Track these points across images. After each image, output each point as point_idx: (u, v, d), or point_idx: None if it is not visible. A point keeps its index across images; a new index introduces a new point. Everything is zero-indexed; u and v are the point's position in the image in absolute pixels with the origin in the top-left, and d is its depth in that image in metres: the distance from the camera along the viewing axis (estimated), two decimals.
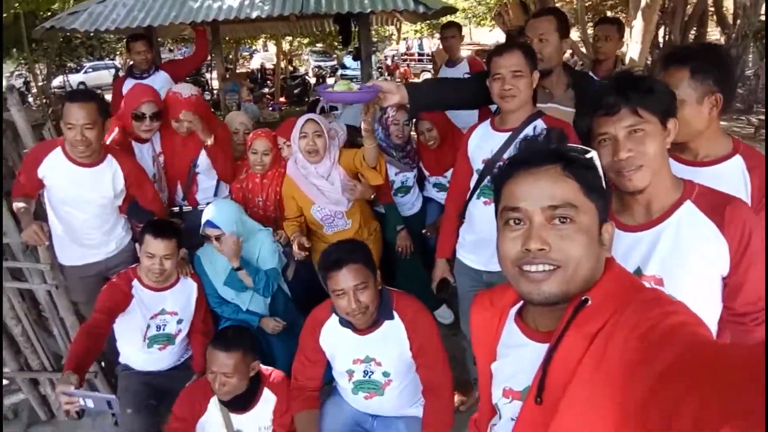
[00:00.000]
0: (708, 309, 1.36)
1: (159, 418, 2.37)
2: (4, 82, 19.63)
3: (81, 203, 2.45)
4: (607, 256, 0.94)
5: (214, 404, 2.14)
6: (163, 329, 2.44)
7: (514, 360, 1.01)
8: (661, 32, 14.09)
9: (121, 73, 17.02)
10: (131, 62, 3.99)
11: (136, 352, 2.45)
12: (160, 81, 3.85)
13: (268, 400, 2.16)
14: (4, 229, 2.51)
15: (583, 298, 0.88)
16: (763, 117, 10.07)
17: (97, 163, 2.44)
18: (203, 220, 2.53)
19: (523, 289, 0.92)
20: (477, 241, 2.30)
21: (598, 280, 0.91)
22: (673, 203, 1.33)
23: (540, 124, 2.06)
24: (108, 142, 2.61)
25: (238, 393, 2.07)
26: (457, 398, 2.68)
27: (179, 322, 2.47)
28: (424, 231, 3.34)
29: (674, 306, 0.82)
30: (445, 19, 4.36)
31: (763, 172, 1.57)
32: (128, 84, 3.70)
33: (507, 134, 2.11)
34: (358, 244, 2.05)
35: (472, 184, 2.28)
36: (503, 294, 1.09)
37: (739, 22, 12.64)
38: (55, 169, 2.39)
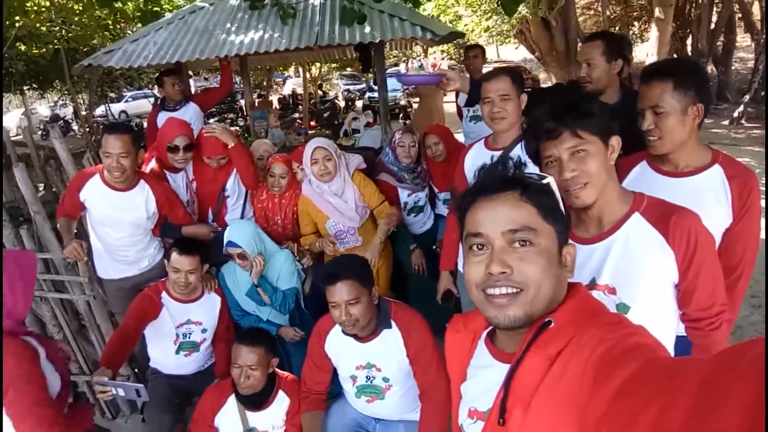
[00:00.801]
0: (662, 316, 1.42)
1: (183, 417, 2.60)
2: (48, 112, 20.75)
3: (117, 224, 2.73)
4: (569, 278, 0.97)
5: (232, 401, 2.32)
6: (189, 337, 2.67)
7: (481, 381, 1.04)
8: (688, 41, 13.94)
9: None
10: (164, 95, 4.31)
11: (165, 357, 2.69)
12: (190, 112, 4.15)
13: (282, 400, 2.34)
14: (48, 245, 2.81)
15: (546, 320, 0.91)
16: None
17: (131, 188, 2.71)
18: (225, 241, 2.74)
19: (489, 314, 0.95)
20: None
21: (562, 302, 0.94)
22: (623, 215, 1.39)
23: (520, 148, 2.22)
24: (147, 171, 2.90)
25: (258, 388, 2.25)
26: None
27: (203, 331, 2.70)
28: (434, 247, 3.44)
29: (635, 329, 0.84)
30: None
31: (742, 181, 1.63)
32: (161, 116, 4.01)
33: (499, 153, 2.26)
34: (356, 259, 2.20)
35: None
36: (476, 317, 1.10)
37: (766, 26, 12.36)
38: (95, 193, 2.67)
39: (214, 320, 2.75)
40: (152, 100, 17.54)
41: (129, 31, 8.46)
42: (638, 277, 1.37)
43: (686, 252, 1.33)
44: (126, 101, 20.02)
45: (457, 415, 1.13)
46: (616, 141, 1.38)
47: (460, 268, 2.59)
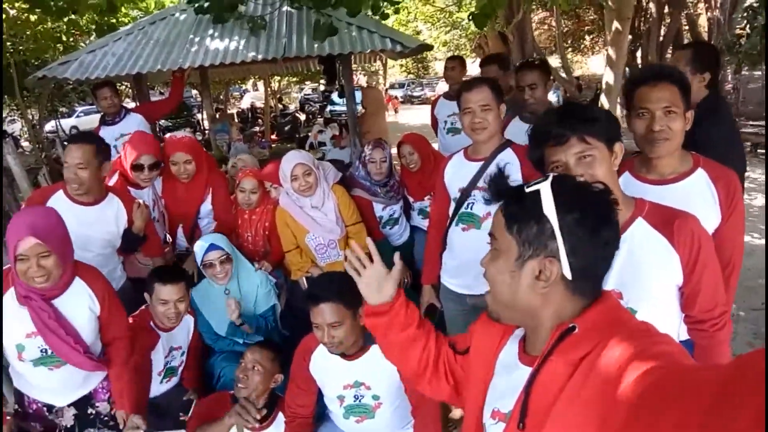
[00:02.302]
0: (669, 317, 1.45)
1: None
2: None
3: (85, 241, 2.50)
4: (544, 292, 0.95)
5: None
6: (171, 363, 2.53)
7: (506, 381, 1.04)
8: (639, 54, 14.53)
9: None
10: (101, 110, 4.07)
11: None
12: (133, 124, 3.94)
13: (280, 423, 2.24)
14: None
15: (570, 325, 0.91)
16: (745, 130, 10.24)
17: (99, 202, 2.53)
18: (203, 251, 2.59)
19: None
20: (459, 266, 2.38)
21: (588, 308, 0.94)
22: (626, 220, 1.40)
23: (509, 153, 2.21)
24: (110, 184, 2.72)
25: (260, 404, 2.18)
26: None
27: (182, 354, 2.58)
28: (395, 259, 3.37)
29: (660, 337, 0.85)
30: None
31: (726, 182, 1.68)
32: (102, 132, 3.79)
33: (479, 163, 2.24)
34: (340, 279, 2.04)
35: (450, 212, 2.39)
36: None
37: (713, 38, 13.02)
38: (59, 209, 2.46)
39: (189, 341, 2.62)
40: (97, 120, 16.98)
41: (82, 44, 8.14)
42: (644, 281, 1.39)
43: (690, 254, 1.37)
44: (77, 116, 19.26)
45: (476, 409, 1.10)
46: (619, 147, 1.39)
47: (443, 281, 2.54)
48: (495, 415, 1.04)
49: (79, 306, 2.01)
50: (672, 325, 1.47)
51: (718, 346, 1.47)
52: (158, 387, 2.52)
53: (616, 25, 6.11)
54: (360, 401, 2.13)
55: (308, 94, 20.83)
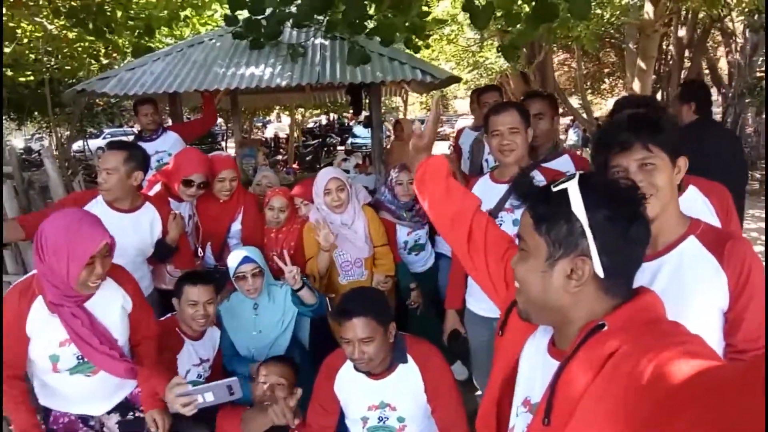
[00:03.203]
0: (709, 342, 1.41)
1: None
2: (23, 144, 20.29)
3: (119, 249, 2.53)
4: (576, 291, 0.94)
5: None
6: (202, 374, 2.49)
7: (538, 372, 1.04)
8: (659, 95, 14.62)
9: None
10: (140, 127, 4.19)
11: None
12: (170, 141, 4.07)
13: None
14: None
15: (599, 322, 0.91)
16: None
17: (135, 210, 2.57)
18: (236, 262, 2.58)
19: None
20: (480, 293, 2.36)
21: (619, 306, 0.93)
22: (679, 237, 1.39)
23: (537, 175, 2.20)
24: (150, 194, 2.77)
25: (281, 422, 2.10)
26: None
27: (210, 368, 2.54)
28: (411, 286, 3.29)
29: (690, 338, 0.84)
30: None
31: (718, 193, 1.73)
32: None
33: (506, 186, 2.25)
34: (373, 294, 2.11)
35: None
36: None
37: (735, 81, 13.07)
38: (98, 213, 2.49)
39: (215, 353, 2.60)
40: (131, 137, 17.35)
41: (116, 66, 8.41)
42: (688, 300, 1.35)
43: (740, 278, 1.33)
44: (104, 137, 19.77)
45: (492, 396, 1.14)
46: (683, 162, 1.39)
47: (468, 306, 2.51)
48: (526, 404, 1.05)
49: (112, 305, 1.99)
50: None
51: None
52: None
53: (640, 64, 6.23)
54: (384, 423, 2.09)
55: (311, 127, 21.04)
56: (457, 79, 5.49)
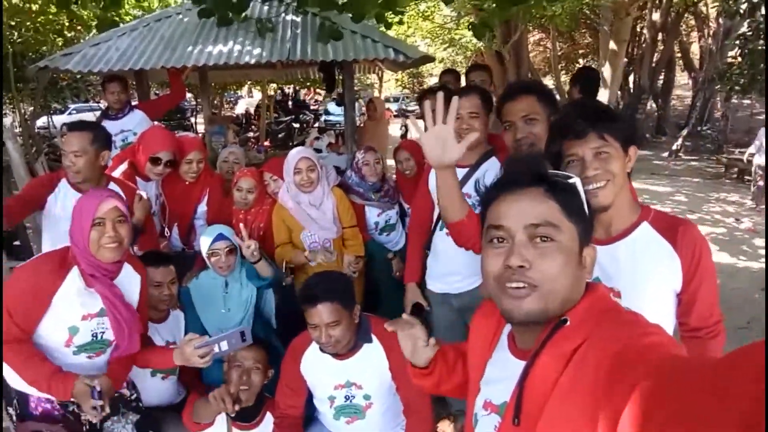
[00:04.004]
0: (663, 323, 1.43)
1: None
2: None
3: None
4: (587, 279, 0.97)
5: (221, 419, 2.18)
6: None
7: (498, 373, 1.04)
8: (631, 78, 14.83)
9: None
10: (106, 103, 4.10)
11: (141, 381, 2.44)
12: (137, 120, 3.97)
13: (268, 424, 2.23)
14: None
15: (561, 318, 0.91)
16: (733, 156, 10.49)
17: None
18: (210, 239, 2.57)
19: (504, 306, 0.94)
20: (444, 271, 2.41)
21: (579, 301, 0.93)
22: (632, 223, 1.45)
23: (494, 161, 2.23)
24: (117, 175, 2.71)
25: (252, 401, 2.15)
26: (440, 427, 2.75)
27: None
28: (389, 256, 3.35)
29: (650, 328, 0.84)
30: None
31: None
32: (104, 125, 3.81)
33: (465, 170, 2.25)
34: (337, 279, 2.12)
35: (434, 217, 2.40)
36: None
37: (705, 65, 13.32)
38: (64, 196, 2.45)
39: (181, 335, 2.55)
40: (98, 113, 16.81)
41: (82, 40, 8.12)
42: (644, 284, 1.42)
43: (692, 261, 1.40)
44: (69, 113, 19.14)
45: (472, 404, 1.11)
46: (633, 151, 1.44)
47: (428, 287, 2.55)
48: (487, 406, 1.04)
49: (133, 290, 2.01)
50: (666, 330, 1.49)
51: (711, 355, 1.47)
52: (155, 384, 2.44)
53: (612, 46, 6.28)
54: (351, 401, 2.13)
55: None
56: (430, 59, 5.47)
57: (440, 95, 1.44)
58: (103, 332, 1.93)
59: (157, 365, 2.15)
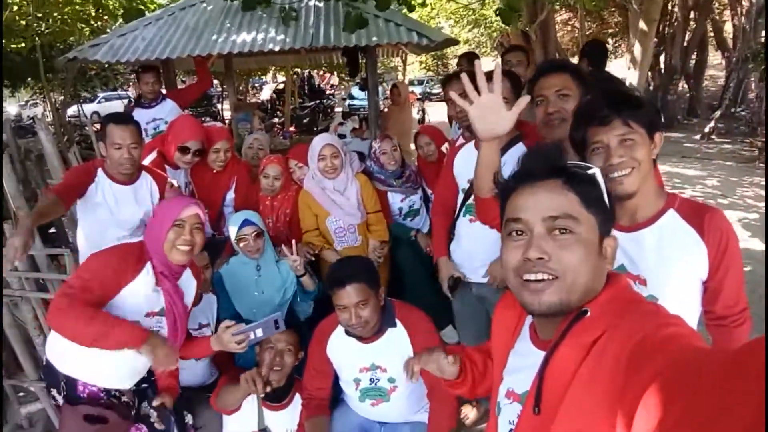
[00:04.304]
0: (688, 311, 1.46)
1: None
2: (17, 111, 20.09)
3: (121, 221, 2.56)
4: (608, 269, 0.96)
5: (251, 399, 2.25)
6: None
7: (520, 363, 1.05)
8: (662, 57, 14.40)
9: (133, 104, 17.37)
10: (139, 92, 4.20)
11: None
12: (168, 109, 4.06)
13: (297, 404, 2.29)
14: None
15: (582, 309, 0.90)
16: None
17: (135, 180, 2.59)
18: (237, 226, 2.61)
19: (525, 299, 0.94)
20: (464, 257, 2.40)
21: (600, 292, 0.93)
22: (658, 211, 1.44)
23: (521, 147, 2.16)
24: (146, 164, 2.77)
25: (283, 381, 2.22)
26: (463, 411, 2.78)
27: (211, 333, 2.52)
28: (412, 234, 3.29)
29: (670, 319, 0.83)
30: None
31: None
32: (136, 114, 3.84)
33: None
34: (363, 261, 2.18)
35: (458, 202, 2.38)
36: None
37: (739, 45, 12.85)
38: (103, 188, 2.51)
39: (215, 319, 2.64)
40: (126, 101, 17.11)
41: (108, 30, 8.25)
42: (670, 272, 1.41)
43: (718, 249, 1.38)
44: (99, 102, 19.54)
45: (496, 393, 1.12)
46: (659, 137, 1.42)
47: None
48: (509, 395, 1.05)
49: (188, 294, 2.09)
50: (690, 319, 1.47)
51: (735, 342, 1.46)
52: (189, 364, 2.50)
53: (642, 26, 6.10)
54: (376, 384, 2.16)
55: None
56: (454, 42, 5.41)
57: (479, 64, 1.41)
58: (158, 330, 1.98)
59: (197, 355, 2.22)
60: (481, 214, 1.76)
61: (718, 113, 12.55)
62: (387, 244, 3.13)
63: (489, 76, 1.40)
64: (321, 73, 17.80)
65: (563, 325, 0.92)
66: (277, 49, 4.13)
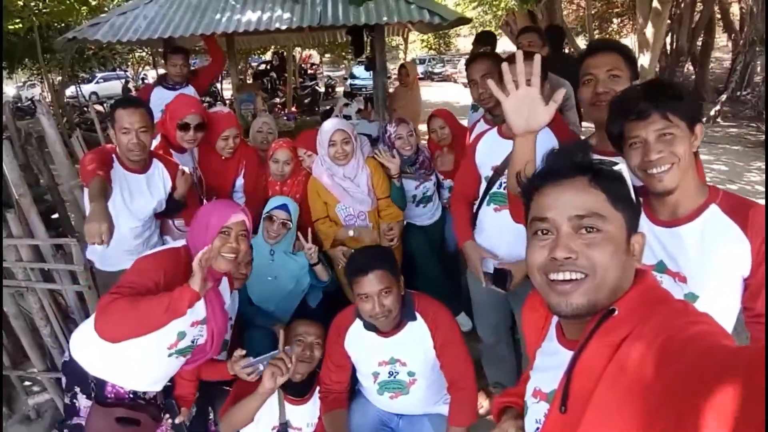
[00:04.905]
0: (728, 309, 1.41)
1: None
2: (15, 92, 19.85)
3: (135, 211, 2.44)
4: (637, 266, 0.94)
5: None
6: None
7: (547, 362, 1.05)
8: (668, 39, 14.18)
9: (131, 84, 17.19)
10: (164, 72, 4.03)
11: None
12: (190, 94, 3.87)
13: (317, 399, 2.24)
14: (35, 231, 2.58)
15: (610, 308, 0.89)
16: None
17: (148, 168, 2.47)
18: (275, 204, 2.61)
19: (552, 301, 0.93)
20: (488, 248, 2.30)
21: (627, 291, 0.92)
22: (700, 206, 1.38)
23: (547, 131, 2.04)
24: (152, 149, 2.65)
25: (309, 371, 2.20)
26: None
27: (231, 326, 2.38)
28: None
29: (699, 317, 0.82)
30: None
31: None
32: (157, 93, 3.78)
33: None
34: (384, 250, 2.13)
35: (481, 191, 2.29)
36: None
37: (746, 28, 12.66)
38: (118, 177, 2.35)
39: (236, 309, 2.46)
40: (124, 81, 16.91)
41: (107, 9, 8.06)
42: (712, 269, 1.36)
43: (761, 245, 1.33)
44: (97, 82, 19.33)
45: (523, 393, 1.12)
46: (700, 129, 1.36)
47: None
48: (536, 394, 1.04)
49: (225, 301, 2.03)
50: (729, 317, 1.43)
51: None
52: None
53: (655, 5, 5.95)
54: (395, 377, 2.12)
55: (328, 68, 20.29)
56: (467, 20, 5.26)
57: (520, 55, 1.35)
58: (198, 338, 1.94)
59: (213, 377, 2.15)
60: (516, 212, 1.68)
61: (724, 97, 12.40)
62: (400, 225, 3.04)
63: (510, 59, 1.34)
64: (303, 52, 17.28)
65: (591, 324, 0.90)
66: (284, 27, 3.99)
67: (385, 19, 3.99)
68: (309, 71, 16.45)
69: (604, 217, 0.90)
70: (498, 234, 2.21)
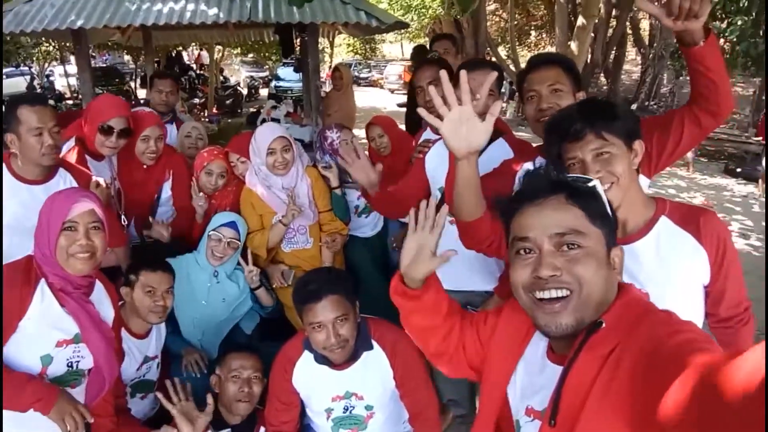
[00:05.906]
0: (693, 318, 1.37)
1: None
2: None
3: (31, 230, 1.81)
4: (618, 280, 0.98)
5: None
6: (146, 375, 2.15)
7: (534, 379, 1.03)
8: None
9: (36, 82, 15.71)
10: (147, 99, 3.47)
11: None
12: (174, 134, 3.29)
13: None
14: None
15: (597, 321, 0.91)
16: None
17: (50, 178, 2.08)
18: (222, 221, 2.40)
19: (540, 321, 0.95)
20: (446, 264, 2.18)
21: (612, 303, 0.94)
22: (649, 219, 1.37)
23: (501, 144, 2.02)
24: (63, 156, 2.28)
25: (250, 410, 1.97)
26: None
27: (158, 366, 2.20)
28: (391, 240, 3.17)
29: (683, 325, 0.85)
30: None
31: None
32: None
33: None
34: (336, 271, 1.97)
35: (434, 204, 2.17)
36: None
37: (655, 43, 13.68)
38: (8, 190, 1.99)
39: (161, 346, 2.24)
40: (28, 78, 15.49)
41: None
42: (671, 281, 1.36)
43: (718, 252, 1.35)
44: None
45: (500, 399, 1.10)
46: (639, 145, 1.35)
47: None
48: (530, 413, 1.03)
49: (108, 310, 1.75)
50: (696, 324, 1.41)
51: (743, 343, 1.46)
52: (134, 403, 2.13)
53: (581, 20, 6.21)
54: (350, 413, 1.93)
55: (250, 69, 19.82)
56: (405, 25, 5.16)
57: (444, 75, 1.25)
58: (79, 361, 1.64)
59: None
60: (464, 238, 1.59)
61: (634, 106, 13.36)
62: (343, 239, 2.84)
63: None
64: (193, 50, 16.69)
65: (579, 338, 0.92)
66: (209, 22, 3.68)
67: (320, 18, 3.78)
68: (199, 71, 15.72)
69: (584, 233, 0.93)
70: (455, 246, 2.07)
